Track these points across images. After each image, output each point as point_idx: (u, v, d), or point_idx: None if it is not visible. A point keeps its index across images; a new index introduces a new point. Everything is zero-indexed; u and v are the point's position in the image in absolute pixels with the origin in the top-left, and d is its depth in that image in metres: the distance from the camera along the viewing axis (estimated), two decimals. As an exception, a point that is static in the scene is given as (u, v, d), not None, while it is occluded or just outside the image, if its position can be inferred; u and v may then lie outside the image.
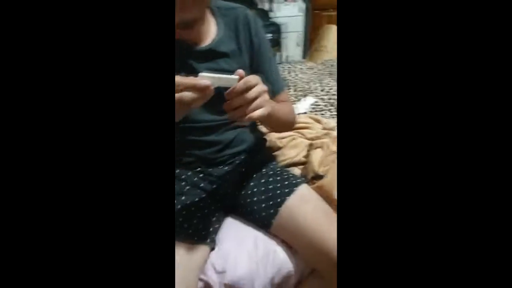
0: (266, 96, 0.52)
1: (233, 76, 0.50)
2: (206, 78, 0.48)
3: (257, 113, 0.50)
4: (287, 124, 0.81)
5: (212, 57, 0.70)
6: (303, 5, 2.15)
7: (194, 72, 0.56)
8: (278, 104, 0.71)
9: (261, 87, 0.52)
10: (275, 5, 2.01)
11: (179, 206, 0.72)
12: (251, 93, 0.50)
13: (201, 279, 0.69)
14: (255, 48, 0.74)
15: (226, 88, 0.50)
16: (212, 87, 0.48)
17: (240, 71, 0.51)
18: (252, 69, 0.74)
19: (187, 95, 0.47)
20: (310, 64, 1.60)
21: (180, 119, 0.52)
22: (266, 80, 0.69)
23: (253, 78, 0.51)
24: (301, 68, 1.52)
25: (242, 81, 0.50)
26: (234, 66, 0.69)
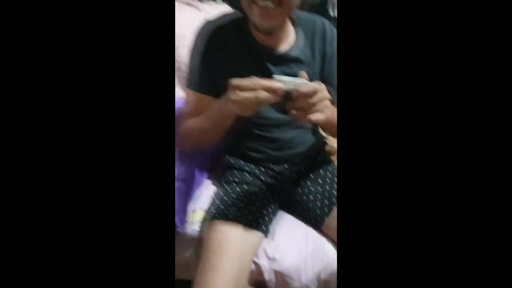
0: (327, 103, 0.58)
1: (302, 80, 0.56)
2: (279, 81, 0.55)
3: (316, 116, 0.56)
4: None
5: (286, 62, 0.75)
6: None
7: (269, 74, 0.65)
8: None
9: (324, 93, 0.57)
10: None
11: (242, 193, 0.79)
12: (314, 98, 0.55)
13: (254, 262, 0.75)
14: (327, 58, 0.78)
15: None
16: (283, 89, 0.54)
17: (303, 73, 0.58)
18: (322, 76, 0.78)
19: (263, 94, 0.55)
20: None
21: (252, 114, 0.59)
22: (332, 88, 0.74)
23: (319, 85, 0.57)
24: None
25: (308, 86, 0.55)
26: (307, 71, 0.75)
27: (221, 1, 1.52)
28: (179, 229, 0.75)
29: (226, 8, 1.44)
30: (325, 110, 0.57)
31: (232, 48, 0.75)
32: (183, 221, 0.77)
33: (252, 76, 0.58)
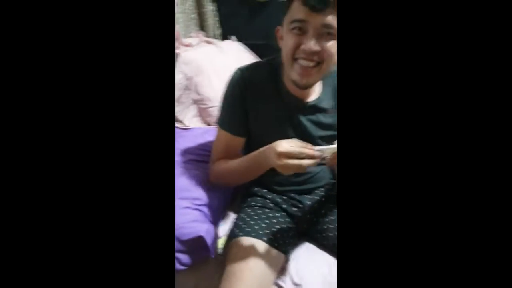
0: None
1: (334, 146, 0.65)
2: (319, 151, 0.65)
3: None
4: None
5: (313, 112, 0.82)
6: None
7: (297, 122, 0.79)
8: None
9: None
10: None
11: (264, 215, 0.84)
12: None
13: (278, 285, 0.78)
14: None
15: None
16: (322, 156, 0.65)
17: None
18: None
19: (307, 162, 0.64)
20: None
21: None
22: None
23: None
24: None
25: None
26: (330, 120, 0.83)
27: (235, 39, 1.64)
28: (212, 255, 0.79)
29: (241, 46, 1.55)
30: None
31: (265, 95, 0.81)
32: (214, 247, 0.80)
33: (293, 138, 0.67)
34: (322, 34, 0.68)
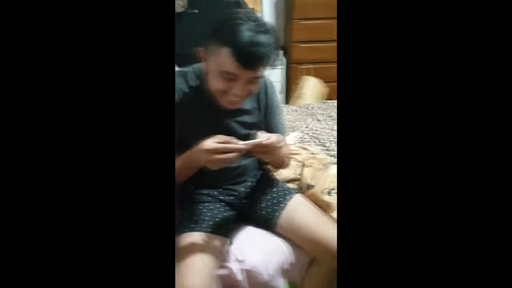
0: (274, 149, 0.77)
1: (257, 140, 0.74)
2: (244, 145, 0.72)
3: (268, 158, 0.79)
4: (285, 163, 1.04)
5: (239, 114, 0.90)
6: (283, 60, 2.54)
7: (225, 124, 0.87)
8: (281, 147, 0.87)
9: (273, 144, 0.76)
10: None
11: (204, 209, 0.94)
12: (268, 148, 0.76)
13: (225, 267, 0.87)
14: (269, 107, 0.96)
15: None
16: (246, 149, 0.73)
17: (260, 134, 0.77)
18: (266, 122, 0.97)
19: (232, 155, 0.71)
20: (294, 107, 1.92)
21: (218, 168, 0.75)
22: (273, 130, 0.97)
23: (271, 139, 0.75)
24: (287, 110, 1.84)
25: (269, 140, 0.75)
26: (253, 120, 0.94)
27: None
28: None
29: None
30: (273, 153, 0.78)
31: (191, 102, 0.87)
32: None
33: (218, 135, 0.72)
34: (251, 81, 0.76)
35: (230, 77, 0.75)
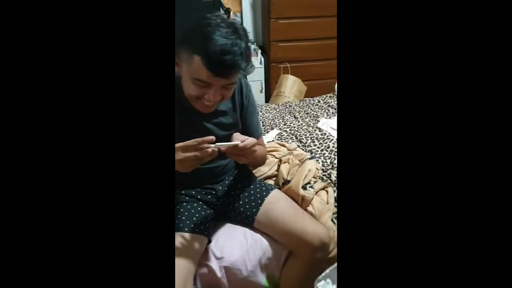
0: (249, 151, 0.77)
1: (230, 143, 0.74)
2: (216, 147, 0.71)
3: (242, 160, 0.78)
4: (261, 162, 1.08)
5: (214, 116, 0.91)
6: (263, 59, 2.57)
7: (201, 126, 0.87)
8: (258, 149, 0.87)
9: (248, 147, 0.75)
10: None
11: (182, 209, 0.94)
12: (243, 151, 0.76)
13: (204, 265, 0.89)
14: (244, 107, 0.96)
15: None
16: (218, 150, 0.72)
17: (237, 135, 0.77)
18: (242, 120, 0.98)
19: (203, 153, 0.70)
20: (273, 105, 1.94)
21: (189, 171, 0.73)
22: (250, 129, 0.98)
23: (246, 142, 0.75)
24: (266, 109, 1.86)
25: (243, 144, 0.74)
26: (230, 120, 0.94)
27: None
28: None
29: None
30: (248, 156, 0.78)
31: None
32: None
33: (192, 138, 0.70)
34: (225, 87, 0.76)
35: (203, 84, 0.75)
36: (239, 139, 0.76)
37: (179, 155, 0.71)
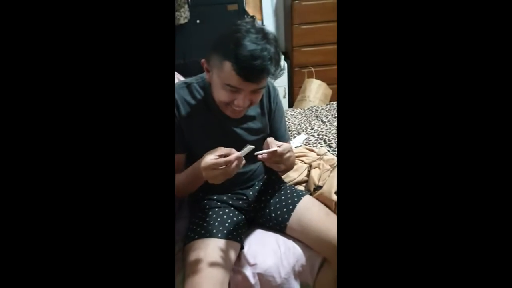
0: (284, 158, 0.76)
1: (270, 150, 0.74)
2: (241, 154, 0.71)
3: (280, 168, 0.78)
4: (290, 168, 1.04)
5: (244, 121, 0.92)
6: (285, 64, 2.56)
7: (229, 131, 0.87)
8: (292, 155, 0.87)
9: (285, 153, 0.76)
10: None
11: (214, 215, 0.94)
12: (284, 158, 0.76)
13: (238, 271, 0.88)
14: (272, 111, 0.97)
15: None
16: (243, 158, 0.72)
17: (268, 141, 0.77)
18: (270, 125, 0.98)
19: (231, 168, 0.71)
20: (298, 110, 1.93)
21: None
22: (278, 133, 0.98)
23: (283, 148, 0.75)
24: (291, 114, 1.85)
25: (281, 149, 0.74)
26: (258, 125, 0.94)
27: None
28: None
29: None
30: (285, 163, 0.78)
31: (198, 112, 0.88)
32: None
33: (219, 148, 0.71)
34: (254, 92, 0.77)
35: (233, 90, 0.76)
36: (274, 144, 0.76)
37: (208, 173, 0.72)
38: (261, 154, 0.73)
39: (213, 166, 0.70)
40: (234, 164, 0.71)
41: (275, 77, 0.79)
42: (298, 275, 0.92)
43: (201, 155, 0.78)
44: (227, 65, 0.73)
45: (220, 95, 0.79)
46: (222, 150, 0.72)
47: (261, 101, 0.94)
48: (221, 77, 0.76)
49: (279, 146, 0.75)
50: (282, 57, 2.57)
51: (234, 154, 0.71)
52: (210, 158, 0.71)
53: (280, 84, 2.55)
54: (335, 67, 2.48)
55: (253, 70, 0.72)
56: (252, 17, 2.33)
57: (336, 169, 1.09)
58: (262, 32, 0.75)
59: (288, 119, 1.77)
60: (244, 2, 2.35)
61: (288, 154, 0.77)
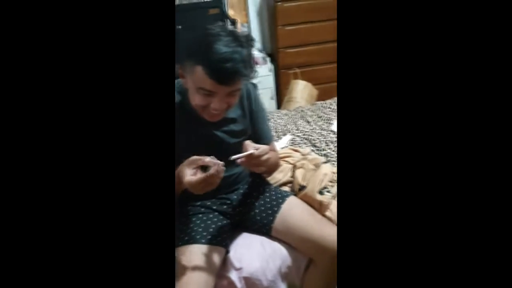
0: (263, 160, 0.76)
1: (246, 153, 0.73)
2: (232, 159, 0.71)
3: (260, 170, 0.79)
4: (274, 169, 1.06)
5: (224, 123, 0.90)
6: (272, 66, 2.57)
7: (213, 136, 0.87)
8: (272, 156, 0.86)
9: (262, 155, 0.75)
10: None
11: (198, 221, 0.93)
12: (263, 160, 0.76)
13: (224, 276, 0.87)
14: (254, 112, 0.96)
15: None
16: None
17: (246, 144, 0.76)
18: (252, 126, 0.97)
19: (213, 181, 0.71)
20: (284, 111, 1.93)
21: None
22: (261, 134, 0.97)
23: (260, 150, 0.75)
24: (278, 115, 1.85)
25: (258, 151, 0.74)
26: (240, 127, 0.94)
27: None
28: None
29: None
30: (264, 164, 0.78)
31: (178, 118, 0.83)
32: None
33: (193, 158, 0.71)
34: (230, 95, 0.77)
35: (208, 93, 0.76)
36: (251, 147, 0.76)
37: (192, 187, 0.71)
38: (236, 157, 0.72)
39: (198, 185, 0.70)
40: (216, 176, 0.70)
41: (249, 79, 0.79)
42: (285, 276, 0.91)
43: (182, 160, 0.78)
44: (199, 70, 0.73)
45: (196, 99, 0.79)
46: (198, 161, 0.71)
47: (242, 102, 0.94)
48: (195, 81, 0.76)
49: (256, 149, 0.75)
50: (268, 59, 2.60)
51: (214, 167, 0.70)
52: (189, 174, 0.71)
53: (268, 86, 2.56)
54: (320, 67, 2.50)
55: (225, 73, 0.72)
56: (234, 21, 2.33)
57: (320, 168, 1.09)
58: (233, 35, 0.76)
59: (275, 120, 1.77)
60: (226, 5, 2.36)
61: (266, 156, 0.77)
